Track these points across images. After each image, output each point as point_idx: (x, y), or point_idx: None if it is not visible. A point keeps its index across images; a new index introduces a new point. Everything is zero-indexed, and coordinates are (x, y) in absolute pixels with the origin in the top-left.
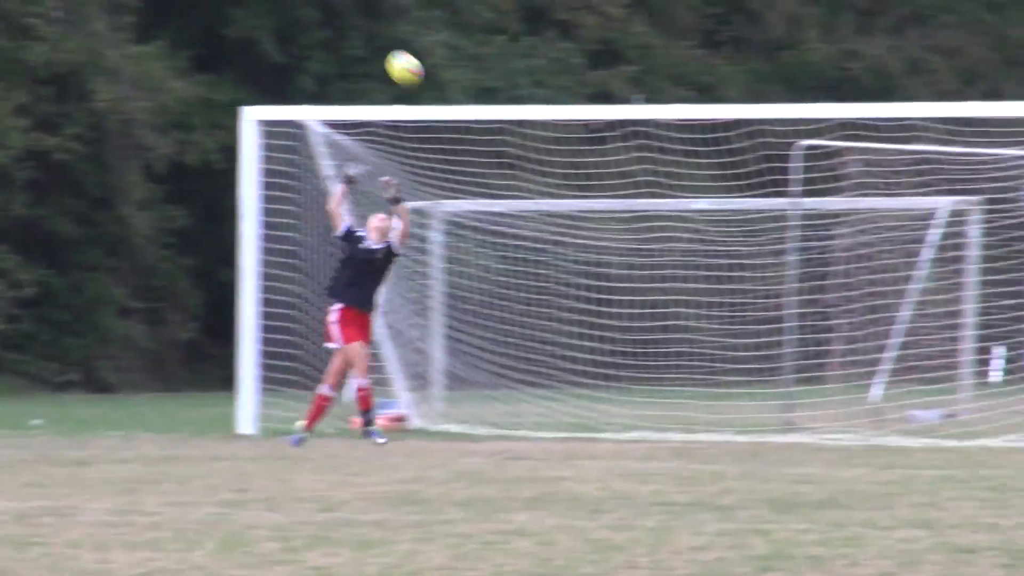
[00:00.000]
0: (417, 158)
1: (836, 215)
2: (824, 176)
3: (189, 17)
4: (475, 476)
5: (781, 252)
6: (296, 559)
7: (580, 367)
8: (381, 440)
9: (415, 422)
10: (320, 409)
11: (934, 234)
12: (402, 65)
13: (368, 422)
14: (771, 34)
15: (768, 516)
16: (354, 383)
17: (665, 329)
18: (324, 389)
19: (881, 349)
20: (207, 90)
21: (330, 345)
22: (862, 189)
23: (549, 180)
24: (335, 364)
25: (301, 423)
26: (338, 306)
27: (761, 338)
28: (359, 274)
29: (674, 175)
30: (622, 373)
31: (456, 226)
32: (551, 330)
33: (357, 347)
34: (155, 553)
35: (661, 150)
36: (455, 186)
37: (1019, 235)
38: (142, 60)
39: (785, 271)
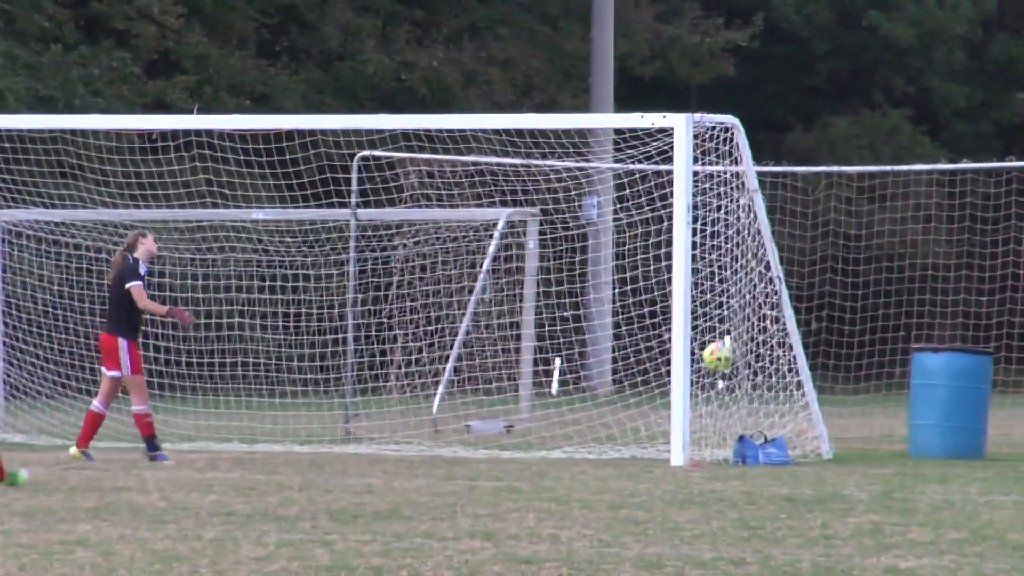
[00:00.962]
0: None
1: (395, 225)
2: (383, 187)
3: None
4: (36, 486)
5: (341, 262)
6: None
7: None
8: (169, 461)
9: None
10: (94, 426)
11: (492, 245)
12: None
13: (154, 447)
14: (327, 45)
15: (330, 527)
16: (138, 410)
17: (225, 339)
18: (98, 406)
19: (441, 360)
20: None
21: (112, 372)
22: (420, 200)
23: (107, 189)
24: (109, 387)
25: (74, 450)
26: (128, 339)
27: (321, 348)
28: (136, 305)
29: (233, 185)
30: (182, 383)
31: (15, 235)
32: None
33: (142, 378)
34: None
35: (219, 160)
36: (13, 195)
37: (577, 246)
38: None
39: (345, 281)
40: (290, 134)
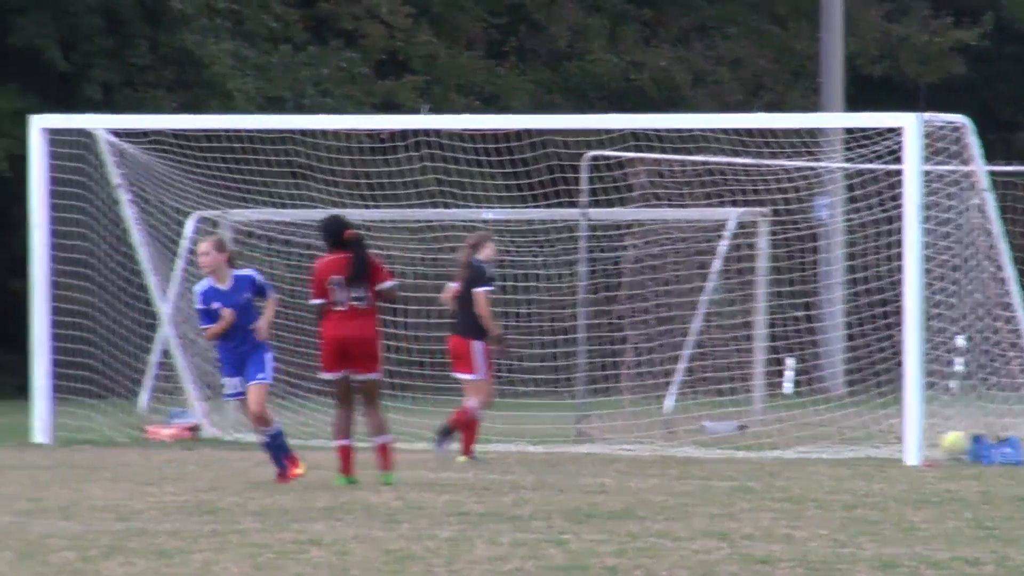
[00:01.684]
0: (204, 167)
1: (625, 225)
2: (612, 187)
3: None
4: (270, 486)
5: (571, 263)
6: (92, 568)
7: None
8: (442, 453)
9: (209, 432)
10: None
11: (723, 245)
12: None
13: (446, 438)
14: (556, 45)
15: (564, 526)
16: (471, 406)
17: None
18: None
19: (673, 360)
20: None
21: (464, 376)
22: (650, 200)
23: (337, 189)
24: (485, 388)
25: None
26: (482, 341)
27: (552, 348)
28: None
29: (462, 184)
30: (415, 383)
31: (246, 235)
32: None
33: (490, 381)
34: None
35: (449, 160)
36: (243, 195)
37: (808, 246)
38: None
39: (576, 281)
40: (519, 134)
